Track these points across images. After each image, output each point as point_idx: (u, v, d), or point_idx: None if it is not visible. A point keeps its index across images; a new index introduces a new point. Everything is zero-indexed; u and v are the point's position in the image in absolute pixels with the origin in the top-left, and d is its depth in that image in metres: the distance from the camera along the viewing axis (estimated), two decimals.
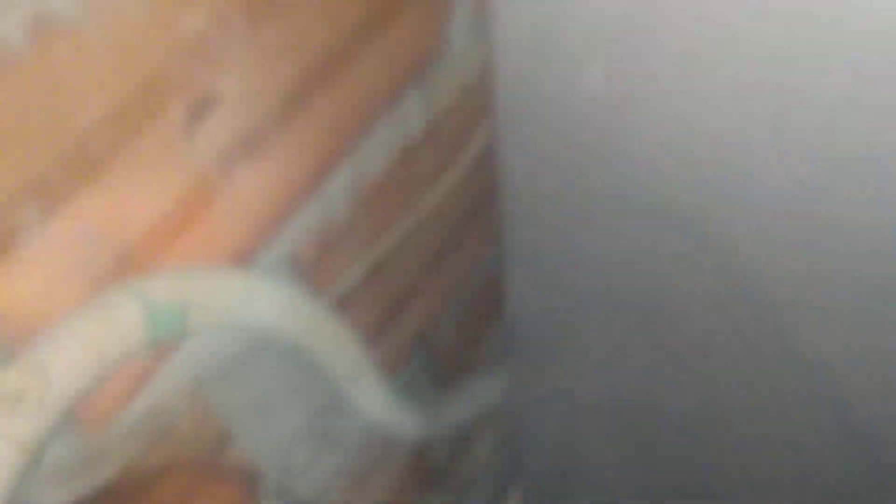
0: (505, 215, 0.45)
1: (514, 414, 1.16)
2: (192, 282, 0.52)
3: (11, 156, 0.40)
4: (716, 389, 0.55)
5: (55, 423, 0.42)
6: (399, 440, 0.94)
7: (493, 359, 1.17)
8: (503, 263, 0.50)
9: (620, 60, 0.38)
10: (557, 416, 0.61)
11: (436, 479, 1.17)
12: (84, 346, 0.43)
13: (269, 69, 0.54)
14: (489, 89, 0.78)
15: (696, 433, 0.56)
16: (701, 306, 0.45)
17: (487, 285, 1.03)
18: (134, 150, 0.46)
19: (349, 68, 0.62)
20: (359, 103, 0.64)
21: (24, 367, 0.40)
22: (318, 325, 0.66)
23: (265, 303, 0.58)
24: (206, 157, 0.52)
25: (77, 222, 0.44)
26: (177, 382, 0.58)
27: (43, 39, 0.38)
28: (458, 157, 0.79)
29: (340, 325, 0.69)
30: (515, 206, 0.44)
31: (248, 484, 0.53)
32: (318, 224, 0.65)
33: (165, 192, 0.49)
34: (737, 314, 0.48)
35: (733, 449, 0.60)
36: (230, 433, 0.67)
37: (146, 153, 0.47)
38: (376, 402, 0.82)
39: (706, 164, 0.39)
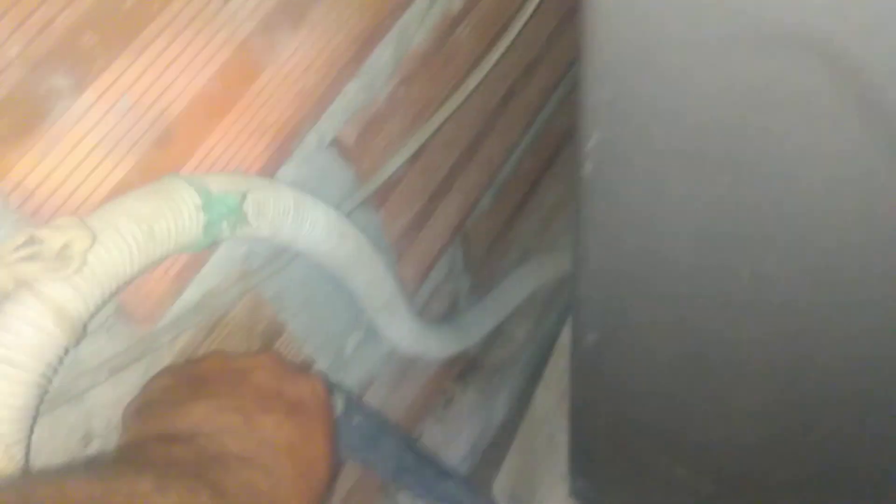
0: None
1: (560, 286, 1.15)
2: (249, 182, 0.49)
3: (39, 16, 0.36)
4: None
5: (101, 297, 0.39)
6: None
7: (525, 249, 1.14)
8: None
9: None
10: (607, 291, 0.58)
11: (473, 365, 1.16)
12: (135, 220, 0.40)
13: None
14: None
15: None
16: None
17: (517, 174, 0.99)
18: (170, 11, 0.41)
19: None
20: None
21: (68, 227, 0.37)
22: (359, 260, 0.63)
23: (313, 222, 0.55)
24: (245, 23, 0.47)
25: (112, 92, 0.40)
26: (228, 271, 0.55)
27: None
28: (499, 37, 0.74)
29: (379, 262, 0.66)
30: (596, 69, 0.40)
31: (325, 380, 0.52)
32: (361, 103, 0.61)
33: (204, 61, 0.45)
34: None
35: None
36: (282, 322, 0.65)
37: (181, 18, 0.42)
38: (407, 337, 0.80)
39: None
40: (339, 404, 0.69)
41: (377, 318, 0.73)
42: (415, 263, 0.82)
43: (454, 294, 0.99)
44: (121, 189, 0.43)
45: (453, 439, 1.15)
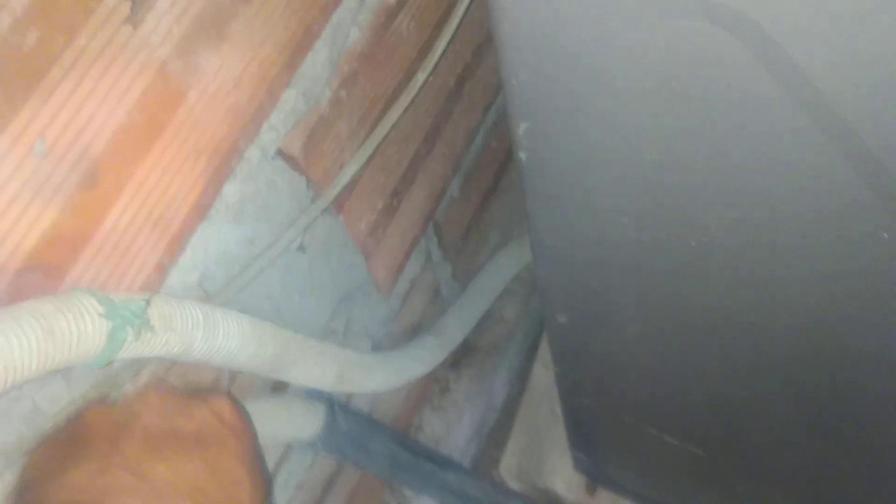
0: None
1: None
2: (151, 294, 0.46)
3: None
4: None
5: None
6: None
7: (506, 228, 1.14)
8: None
9: None
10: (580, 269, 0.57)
11: (465, 351, 1.16)
12: (35, 316, 0.38)
13: None
14: None
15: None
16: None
17: (484, 157, 0.98)
18: (74, 49, 0.40)
19: None
20: None
21: None
22: (288, 357, 0.60)
23: (226, 333, 0.52)
24: (160, 48, 0.46)
25: (25, 139, 0.39)
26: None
27: None
28: (442, 23, 0.72)
29: (313, 344, 0.63)
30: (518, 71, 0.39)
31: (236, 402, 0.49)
32: (302, 110, 0.60)
33: (120, 93, 0.44)
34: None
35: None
36: None
37: (88, 52, 0.41)
38: (385, 382, 0.78)
39: None
40: (319, 414, 0.69)
41: (341, 390, 0.70)
42: (386, 260, 0.81)
43: (435, 283, 0.98)
44: (52, 234, 0.42)
45: (454, 426, 1.15)
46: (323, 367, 0.64)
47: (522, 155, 0.45)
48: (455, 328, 0.99)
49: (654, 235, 0.45)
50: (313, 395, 0.70)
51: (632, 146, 0.40)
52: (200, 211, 0.53)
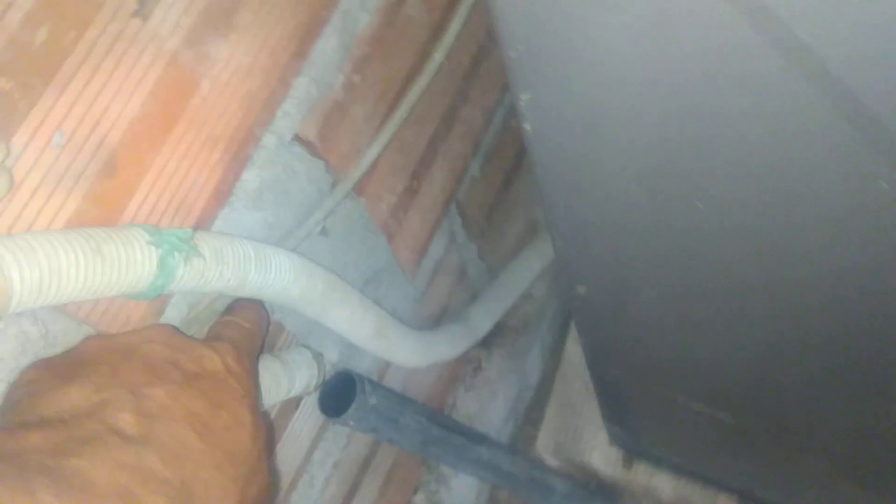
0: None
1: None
2: (200, 232, 0.48)
3: None
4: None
5: (38, 289, 0.38)
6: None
7: (527, 207, 1.14)
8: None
9: None
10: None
11: (496, 330, 1.16)
12: (83, 235, 0.40)
13: None
14: None
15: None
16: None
17: (505, 135, 0.98)
18: (85, 43, 0.42)
19: None
20: None
21: None
22: (334, 296, 0.62)
23: (279, 266, 0.54)
24: (170, 40, 0.47)
25: (42, 132, 0.41)
26: None
27: None
28: (454, 3, 0.73)
29: (355, 292, 0.65)
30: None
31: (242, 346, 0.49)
32: (316, 96, 0.61)
33: (133, 84, 0.46)
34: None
35: None
36: (279, 322, 0.66)
37: (99, 45, 0.43)
38: (412, 355, 0.79)
39: None
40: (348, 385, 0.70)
41: (373, 348, 0.72)
42: (409, 241, 0.82)
43: (461, 264, 0.99)
44: (76, 223, 0.44)
45: (488, 405, 1.16)
46: (364, 315, 0.67)
47: (528, 126, 0.45)
48: (481, 318, 1.00)
49: (662, 196, 0.46)
50: (344, 372, 0.72)
51: (634, 109, 0.40)
52: (220, 197, 0.54)
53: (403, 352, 0.77)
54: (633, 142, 0.42)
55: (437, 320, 0.98)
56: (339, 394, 0.70)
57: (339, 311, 0.64)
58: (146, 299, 0.46)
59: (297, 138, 0.60)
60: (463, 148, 0.87)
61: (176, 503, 0.37)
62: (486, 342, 1.16)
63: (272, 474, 0.51)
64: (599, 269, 0.59)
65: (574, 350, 1.28)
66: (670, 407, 0.79)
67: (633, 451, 1.11)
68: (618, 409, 0.92)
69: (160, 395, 0.40)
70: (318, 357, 0.67)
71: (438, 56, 0.70)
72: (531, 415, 1.34)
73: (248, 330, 0.53)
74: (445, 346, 0.89)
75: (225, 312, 0.56)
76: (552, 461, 1.22)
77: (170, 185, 0.50)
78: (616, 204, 0.48)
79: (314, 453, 0.80)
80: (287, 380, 0.62)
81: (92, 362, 0.41)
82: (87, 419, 0.37)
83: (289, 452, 0.74)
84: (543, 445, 1.23)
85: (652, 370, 0.74)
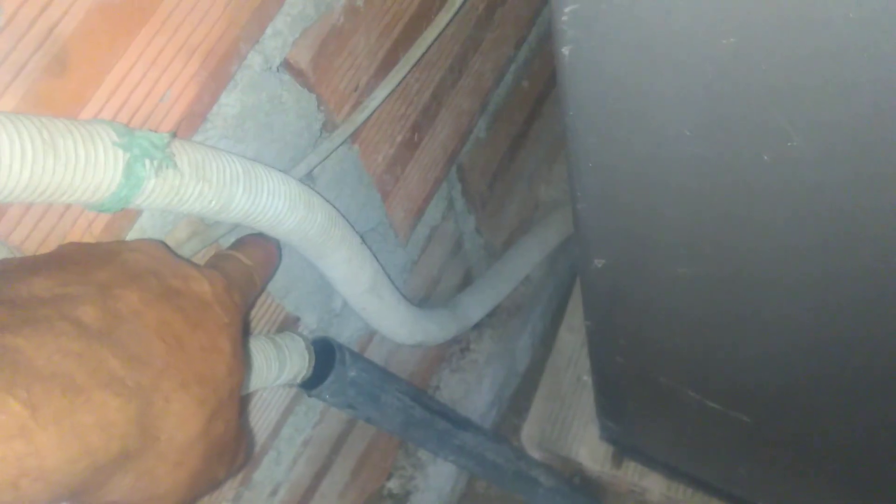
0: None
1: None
2: (181, 142, 0.41)
3: None
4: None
5: None
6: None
7: (530, 180, 1.06)
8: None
9: None
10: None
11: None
12: (35, 123, 0.33)
13: None
14: None
15: None
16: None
17: (514, 97, 0.90)
18: None
19: None
20: None
21: None
22: (334, 235, 0.55)
23: (272, 192, 0.47)
24: None
25: None
26: (172, 223, 0.48)
27: None
28: None
29: (356, 236, 0.58)
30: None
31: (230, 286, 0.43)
32: (311, 17, 0.53)
33: None
34: None
35: None
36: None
37: None
38: (401, 326, 0.73)
39: None
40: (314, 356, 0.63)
41: (364, 305, 0.65)
42: (405, 201, 0.74)
43: (457, 234, 0.92)
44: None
45: (473, 389, 1.09)
46: (362, 263, 0.61)
47: (566, 50, 0.37)
48: (473, 307, 0.93)
49: (719, 149, 0.38)
50: (322, 340, 0.64)
51: (703, 33, 0.33)
52: (194, 120, 0.46)
53: (393, 319, 0.70)
54: (700, 75, 0.34)
55: (425, 295, 0.90)
56: (315, 363, 0.63)
57: (338, 253, 0.57)
58: (106, 212, 0.39)
59: (287, 64, 0.53)
60: (470, 104, 0.79)
61: (129, 406, 0.32)
62: (477, 323, 1.09)
63: (245, 430, 0.46)
64: (624, 239, 0.51)
65: (567, 339, 1.21)
66: (677, 402, 0.72)
67: (624, 449, 1.04)
68: (616, 401, 0.85)
69: (133, 298, 0.35)
70: (311, 349, 0.60)
71: None
72: (516, 403, 1.27)
73: (248, 267, 0.48)
74: (435, 326, 0.81)
75: (231, 246, 0.50)
76: (536, 453, 1.15)
77: (133, 98, 0.42)
78: (658, 161, 0.41)
79: (283, 428, 0.72)
80: (278, 365, 0.56)
81: (65, 260, 0.36)
82: (41, 305, 0.32)
83: (255, 425, 0.67)
84: (528, 436, 1.16)
85: (664, 360, 0.66)
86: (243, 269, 0.47)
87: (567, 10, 0.35)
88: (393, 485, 1.01)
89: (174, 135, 0.41)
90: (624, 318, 0.62)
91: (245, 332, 0.51)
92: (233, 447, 0.41)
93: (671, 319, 0.59)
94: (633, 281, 0.55)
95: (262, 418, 0.68)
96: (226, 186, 0.44)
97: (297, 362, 0.59)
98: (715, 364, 0.63)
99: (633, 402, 0.82)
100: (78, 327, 0.32)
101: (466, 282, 1.00)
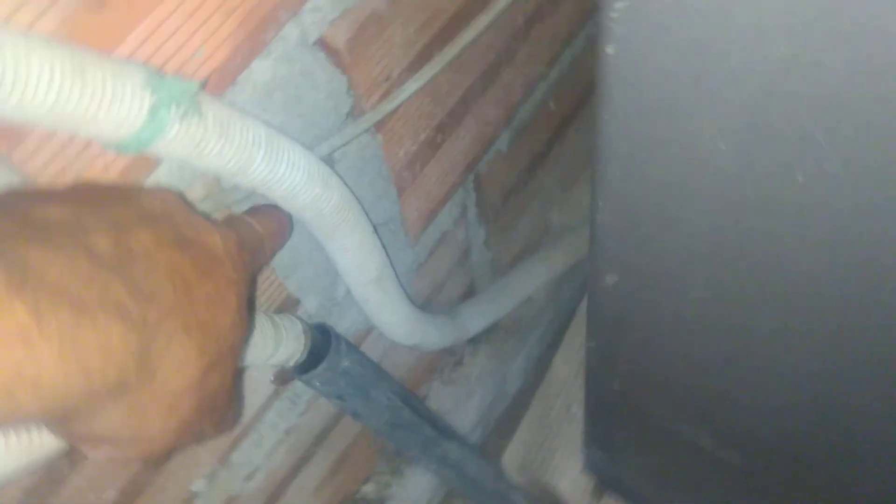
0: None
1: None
2: (210, 98, 0.41)
3: None
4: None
5: None
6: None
7: (545, 202, 1.06)
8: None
9: None
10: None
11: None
12: (67, 50, 0.33)
13: None
14: None
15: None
16: None
17: (541, 115, 0.90)
18: None
19: None
20: None
21: None
22: (348, 218, 0.55)
23: (292, 163, 0.47)
24: None
25: None
26: (188, 181, 0.47)
27: None
28: None
29: (369, 224, 0.58)
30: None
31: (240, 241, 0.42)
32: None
33: None
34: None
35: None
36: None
37: None
38: (401, 324, 0.72)
39: None
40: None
41: (368, 296, 0.65)
42: (420, 200, 0.74)
43: (466, 244, 0.91)
44: None
45: (462, 404, 1.08)
46: (372, 252, 0.60)
47: (610, 49, 0.37)
48: (473, 318, 0.92)
49: (752, 166, 0.38)
50: (320, 326, 0.63)
51: (756, 41, 0.32)
52: (223, 80, 0.46)
53: (394, 315, 0.69)
54: (736, 94, 0.34)
55: (427, 300, 0.89)
56: (309, 349, 0.62)
57: (350, 237, 0.56)
58: (125, 153, 0.38)
59: (324, 42, 0.52)
60: (496, 114, 0.79)
61: (132, 336, 0.31)
62: (474, 336, 1.08)
63: (237, 395, 0.45)
64: (640, 255, 0.51)
65: (561, 368, 1.20)
66: (669, 437, 0.70)
67: (607, 481, 1.02)
68: (605, 429, 0.84)
69: (146, 238, 0.35)
70: (307, 333, 0.59)
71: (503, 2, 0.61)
72: (502, 425, 1.25)
73: (259, 234, 0.47)
74: (433, 330, 0.80)
75: (244, 212, 0.50)
76: (516, 477, 1.13)
77: (166, 46, 0.41)
78: (688, 174, 0.40)
79: (268, 413, 0.71)
80: (273, 344, 0.55)
81: (80, 195, 0.36)
82: (57, 228, 0.31)
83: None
84: (510, 459, 1.14)
85: (661, 391, 0.65)
86: (254, 235, 0.47)
87: (618, 5, 0.35)
88: (369, 489, 0.99)
89: (203, 85, 0.41)
90: (627, 341, 0.61)
91: (251, 299, 0.50)
92: (223, 406, 0.41)
93: (676, 348, 0.58)
94: (643, 302, 0.55)
95: (247, 399, 0.67)
96: (246, 148, 0.43)
97: (293, 344, 0.58)
98: (713, 401, 0.62)
99: (622, 432, 0.81)
100: (90, 253, 0.31)
101: (469, 294, 0.99)
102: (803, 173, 0.36)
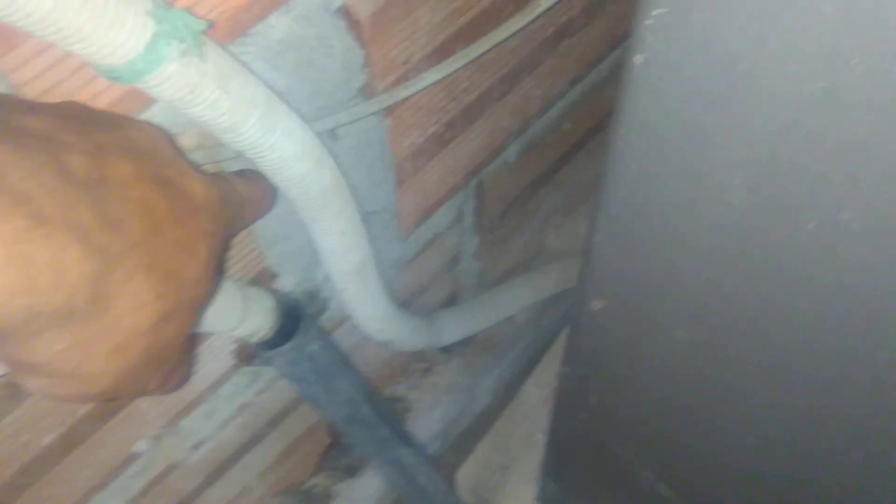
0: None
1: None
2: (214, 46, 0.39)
3: None
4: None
5: None
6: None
7: (542, 223, 1.04)
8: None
9: None
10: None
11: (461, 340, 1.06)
12: None
13: None
14: None
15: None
16: None
17: (553, 135, 0.88)
18: None
19: None
20: None
21: None
22: (336, 201, 0.53)
23: (287, 132, 0.45)
24: None
25: None
26: (179, 124, 0.45)
27: None
28: None
29: (357, 212, 0.56)
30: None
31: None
32: None
33: None
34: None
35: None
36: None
37: None
38: (377, 319, 0.70)
39: None
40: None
41: (346, 283, 0.63)
42: (418, 196, 0.72)
43: (456, 250, 0.89)
44: None
45: (424, 414, 1.05)
46: (356, 242, 0.58)
47: (639, 59, 0.35)
48: (450, 327, 0.90)
49: (763, 206, 0.36)
50: (293, 304, 0.61)
51: (793, 70, 0.31)
52: (235, 29, 0.44)
53: (370, 309, 0.67)
54: (761, 126, 0.32)
55: (407, 301, 0.87)
56: (277, 328, 0.59)
57: (335, 222, 0.54)
58: (118, 82, 0.36)
59: (346, 11, 0.50)
60: (509, 123, 0.77)
61: (88, 262, 0.29)
62: (448, 347, 1.06)
63: (189, 356, 0.43)
64: (630, 284, 0.49)
65: (532, 393, 1.18)
66: (627, 479, 0.68)
67: None
68: (565, 462, 0.82)
69: (126, 169, 0.33)
70: (278, 312, 0.57)
71: (545, 2, 0.60)
72: (461, 443, 1.23)
73: (241, 197, 0.45)
74: (407, 330, 0.78)
75: (231, 172, 0.47)
76: (466, 497, 1.11)
77: None
78: (694, 205, 0.39)
79: (224, 385, 0.69)
80: (238, 316, 0.53)
81: (66, 113, 0.34)
82: (32, 137, 0.30)
83: (197, 371, 0.63)
84: (464, 477, 1.12)
85: (627, 429, 0.63)
86: (237, 197, 0.45)
87: (654, 12, 0.33)
88: (317, 480, 0.96)
89: (211, 26, 0.39)
90: (602, 371, 0.59)
91: (221, 261, 0.48)
92: (173, 362, 0.39)
93: (649, 388, 0.56)
94: (625, 333, 0.53)
95: (204, 367, 0.64)
96: (242, 106, 0.41)
97: (259, 321, 0.56)
98: (679, 449, 0.60)
99: (582, 467, 0.78)
100: (61, 169, 0.30)
101: (451, 302, 0.97)
102: (816, 220, 0.34)
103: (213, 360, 0.64)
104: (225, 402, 0.70)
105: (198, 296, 0.37)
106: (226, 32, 0.44)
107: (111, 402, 0.57)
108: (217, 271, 0.40)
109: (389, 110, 0.61)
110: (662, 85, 0.36)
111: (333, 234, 0.56)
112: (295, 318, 0.60)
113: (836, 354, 0.40)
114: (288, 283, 0.65)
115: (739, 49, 0.31)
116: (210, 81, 0.39)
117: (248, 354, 0.67)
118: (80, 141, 0.32)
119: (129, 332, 0.33)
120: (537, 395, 1.17)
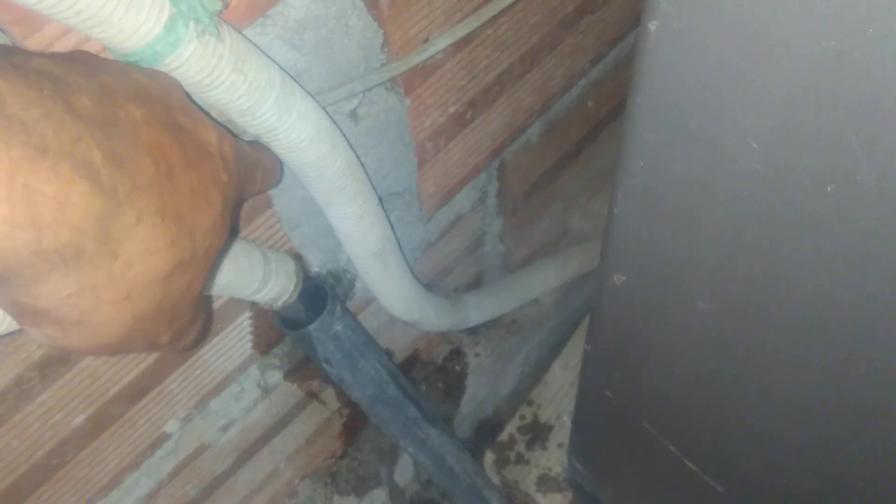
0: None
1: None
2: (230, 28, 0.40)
3: None
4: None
5: None
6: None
7: (566, 205, 1.04)
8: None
9: None
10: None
11: (487, 322, 1.06)
12: None
13: None
14: None
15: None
16: None
17: (576, 114, 0.88)
18: None
19: None
20: None
21: None
22: (351, 185, 0.53)
23: (303, 114, 0.45)
24: None
25: None
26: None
27: None
28: None
29: (374, 195, 0.56)
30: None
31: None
32: None
33: None
34: None
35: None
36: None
37: None
38: (401, 300, 0.70)
39: None
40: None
41: (367, 267, 0.63)
42: (439, 176, 0.72)
43: (480, 232, 0.89)
44: None
45: (452, 395, 1.06)
46: (374, 224, 0.58)
47: (652, 25, 0.35)
48: (475, 309, 0.90)
49: (781, 170, 0.36)
50: (318, 286, 0.61)
51: (805, 31, 0.30)
52: (254, 10, 0.45)
53: (394, 290, 0.67)
54: (775, 88, 0.32)
55: (431, 283, 0.88)
56: (304, 306, 0.60)
57: (350, 206, 0.54)
58: (135, 63, 0.37)
59: None
60: (531, 102, 0.77)
61: (96, 199, 0.28)
62: (475, 330, 1.06)
63: (205, 310, 0.43)
64: (651, 257, 0.49)
65: (559, 375, 1.18)
66: (654, 454, 0.68)
67: (583, 496, 1.00)
68: (592, 440, 0.82)
69: (136, 112, 0.32)
70: (299, 274, 0.57)
71: None
72: (488, 423, 1.23)
73: (252, 159, 0.44)
74: (432, 310, 0.79)
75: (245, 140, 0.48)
76: (494, 477, 1.11)
77: None
78: (713, 173, 0.39)
79: (252, 366, 0.70)
80: (262, 277, 0.53)
81: (76, 58, 0.33)
82: (38, 74, 0.28)
83: (226, 351, 0.64)
84: (491, 459, 1.12)
85: (653, 404, 0.63)
86: (249, 157, 0.44)
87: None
88: (344, 466, 0.97)
89: (227, 6, 0.39)
90: (626, 346, 0.59)
91: (234, 224, 0.48)
92: (188, 316, 0.38)
93: (673, 360, 0.56)
94: (648, 306, 0.53)
95: (234, 347, 0.65)
96: (259, 88, 0.42)
97: (283, 282, 0.55)
98: (705, 422, 0.60)
99: (608, 445, 0.79)
100: (68, 106, 0.28)
101: (475, 285, 0.97)
102: (834, 182, 0.34)
103: (241, 341, 0.65)
104: (253, 383, 0.71)
105: (212, 246, 0.36)
106: (245, 13, 0.44)
107: (121, 353, 0.58)
108: (231, 224, 0.40)
109: (409, 87, 0.61)
110: (677, 51, 0.35)
111: (350, 217, 0.56)
112: (321, 298, 0.61)
113: (861, 318, 0.40)
114: (313, 264, 0.66)
115: (752, 12, 0.31)
116: (227, 64, 0.39)
117: (267, 342, 0.68)
118: (88, 83, 0.31)
119: (140, 279, 0.31)
120: (564, 376, 1.17)
